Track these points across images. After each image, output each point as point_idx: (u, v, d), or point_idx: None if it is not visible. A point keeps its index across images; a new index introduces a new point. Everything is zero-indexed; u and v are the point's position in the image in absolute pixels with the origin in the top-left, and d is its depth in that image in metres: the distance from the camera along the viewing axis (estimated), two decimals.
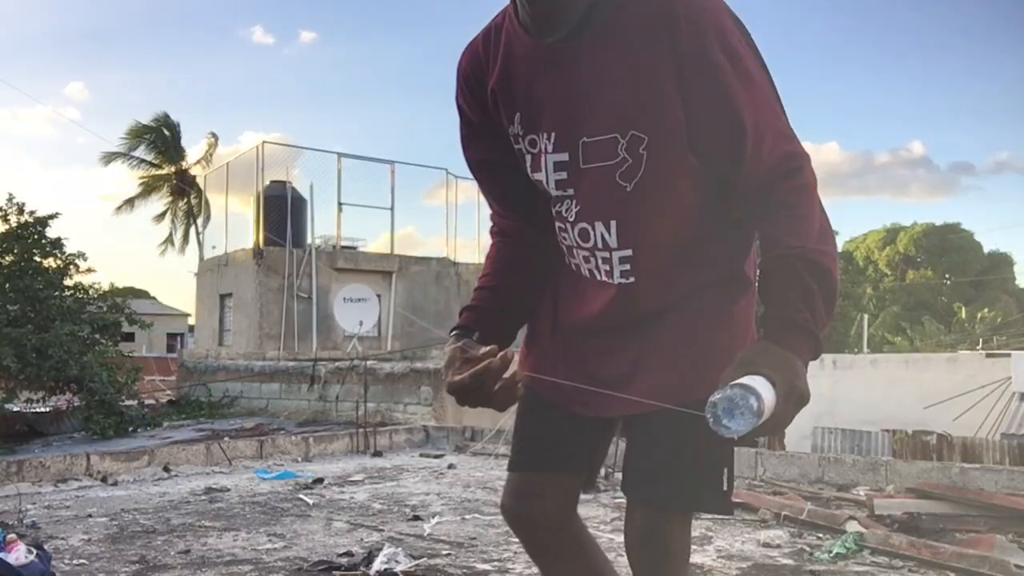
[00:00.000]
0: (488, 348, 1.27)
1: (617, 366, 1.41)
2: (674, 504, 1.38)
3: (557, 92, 1.31)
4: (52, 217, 9.80)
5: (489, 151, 1.44)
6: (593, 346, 1.44)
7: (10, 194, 9.79)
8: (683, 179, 1.31)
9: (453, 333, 1.40)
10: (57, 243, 9.80)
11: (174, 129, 25.30)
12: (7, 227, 9.61)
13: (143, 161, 25.32)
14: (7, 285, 9.18)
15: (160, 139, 25.15)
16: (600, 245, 1.35)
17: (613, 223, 1.33)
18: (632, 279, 1.36)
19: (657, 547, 1.39)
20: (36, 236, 9.65)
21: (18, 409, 9.45)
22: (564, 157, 1.32)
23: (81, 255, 9.94)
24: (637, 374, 1.38)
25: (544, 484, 1.50)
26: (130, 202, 26.00)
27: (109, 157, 24.66)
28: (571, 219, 1.36)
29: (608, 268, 1.37)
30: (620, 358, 1.41)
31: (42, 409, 9.74)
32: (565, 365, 1.45)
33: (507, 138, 1.39)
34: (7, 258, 9.50)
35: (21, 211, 9.65)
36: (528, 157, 1.37)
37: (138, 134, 24.78)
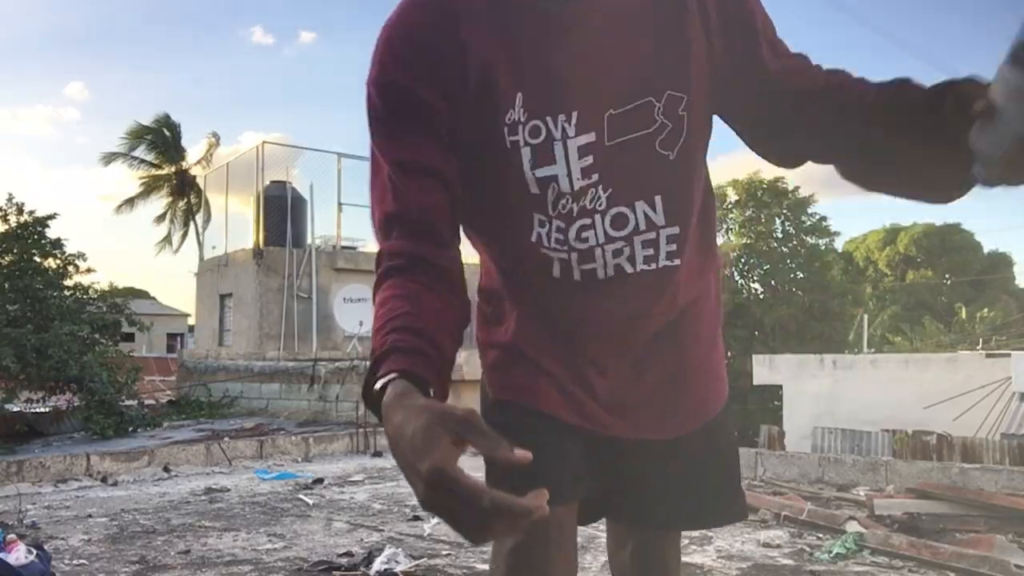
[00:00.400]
0: (523, 456, 0.73)
1: (642, 383, 1.24)
2: (707, 523, 1.37)
3: (576, 61, 1.06)
4: (51, 217, 9.82)
5: (418, 150, 1.06)
6: (610, 361, 1.23)
7: (10, 194, 9.83)
8: (705, 141, 1.18)
9: (391, 378, 0.87)
10: (57, 243, 9.82)
11: (174, 129, 25.41)
12: (7, 227, 9.62)
13: (143, 161, 25.42)
14: (7, 285, 9.19)
15: (160, 139, 25.23)
16: (643, 227, 1.14)
17: (658, 198, 1.14)
18: (677, 261, 1.17)
19: (655, 562, 1.37)
20: (36, 236, 9.66)
21: (18, 409, 9.44)
22: (590, 138, 1.08)
23: (81, 255, 9.98)
24: (671, 391, 1.25)
25: (572, 521, 1.20)
26: (130, 202, 26.10)
27: (109, 157, 24.77)
28: (601, 207, 1.13)
29: (651, 252, 1.16)
30: (645, 374, 1.24)
31: (42, 409, 9.73)
32: (572, 382, 1.22)
33: (457, 131, 1.07)
34: (7, 258, 9.51)
35: (21, 211, 9.67)
36: (527, 151, 1.08)
37: (138, 135, 24.87)
